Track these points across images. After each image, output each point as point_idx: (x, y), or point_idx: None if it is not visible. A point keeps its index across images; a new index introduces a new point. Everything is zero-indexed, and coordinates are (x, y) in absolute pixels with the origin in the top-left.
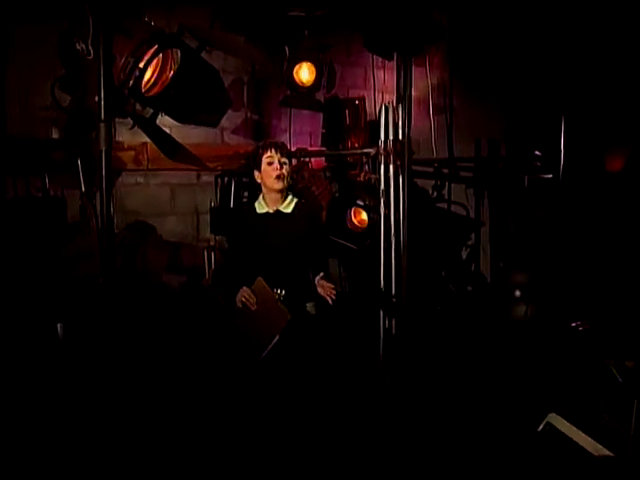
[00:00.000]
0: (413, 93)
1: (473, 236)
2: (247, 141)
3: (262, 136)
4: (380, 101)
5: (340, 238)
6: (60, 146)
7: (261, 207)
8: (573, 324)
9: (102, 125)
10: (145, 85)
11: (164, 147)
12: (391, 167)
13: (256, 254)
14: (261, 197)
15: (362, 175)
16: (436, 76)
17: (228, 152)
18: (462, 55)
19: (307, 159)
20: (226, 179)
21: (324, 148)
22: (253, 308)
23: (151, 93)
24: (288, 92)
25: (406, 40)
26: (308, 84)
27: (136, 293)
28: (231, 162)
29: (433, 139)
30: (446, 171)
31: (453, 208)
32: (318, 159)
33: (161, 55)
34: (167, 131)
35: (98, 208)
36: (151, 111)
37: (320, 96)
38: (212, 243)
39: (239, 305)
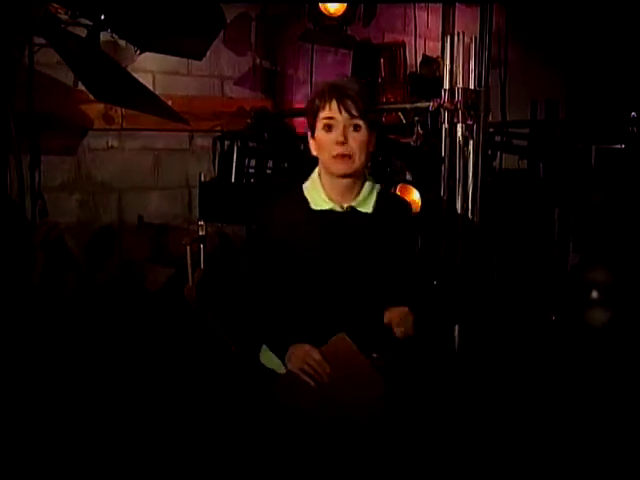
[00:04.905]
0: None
1: None
2: (255, 94)
3: (274, 88)
4: (423, 50)
5: None
6: None
7: (319, 199)
8: None
9: None
10: None
11: (106, 93)
12: (459, 127)
13: (308, 281)
14: (317, 180)
15: (414, 139)
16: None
17: (230, 108)
18: None
19: None
20: (227, 143)
21: None
22: (323, 382)
23: None
24: (310, 26)
25: None
26: (337, 14)
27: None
28: (234, 121)
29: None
30: (497, 138)
31: None
32: None
33: None
34: (148, 80)
35: None
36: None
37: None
38: (201, 232)
39: (296, 372)
